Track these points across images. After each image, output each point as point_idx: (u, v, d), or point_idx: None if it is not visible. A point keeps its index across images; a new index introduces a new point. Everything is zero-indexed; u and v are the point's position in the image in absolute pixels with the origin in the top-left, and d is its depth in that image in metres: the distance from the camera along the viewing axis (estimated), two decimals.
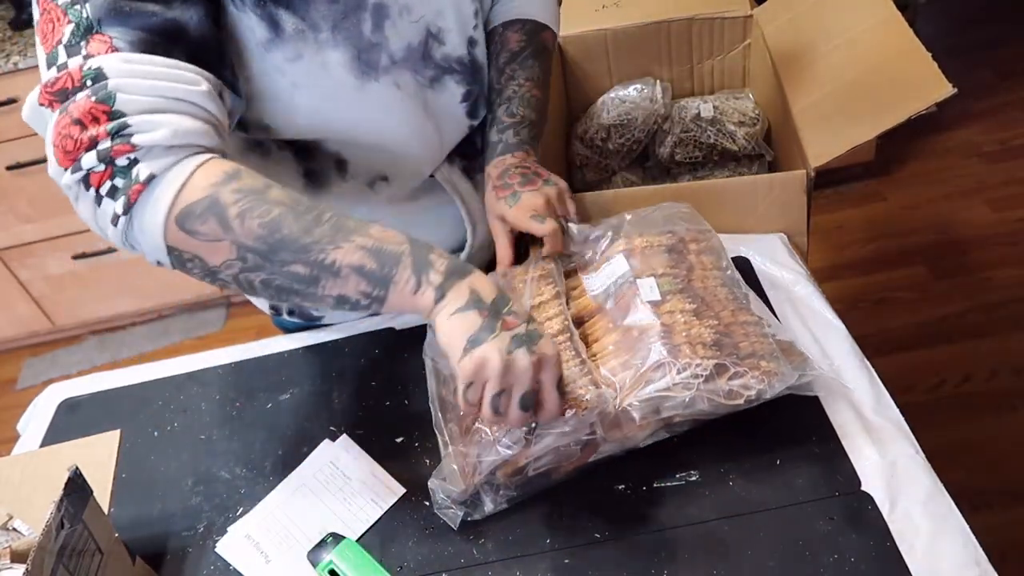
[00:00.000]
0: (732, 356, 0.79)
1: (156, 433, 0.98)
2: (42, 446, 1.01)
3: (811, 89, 1.17)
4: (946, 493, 0.74)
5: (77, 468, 0.73)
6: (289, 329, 1.12)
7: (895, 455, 0.77)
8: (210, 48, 0.73)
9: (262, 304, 1.11)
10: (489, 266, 0.97)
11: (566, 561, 0.75)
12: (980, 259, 2.13)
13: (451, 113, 0.95)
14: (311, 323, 1.10)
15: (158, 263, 0.71)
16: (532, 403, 0.69)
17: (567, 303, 0.88)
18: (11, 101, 2.07)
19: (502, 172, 0.93)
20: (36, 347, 2.65)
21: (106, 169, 0.67)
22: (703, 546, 0.74)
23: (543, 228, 0.89)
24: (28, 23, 2.14)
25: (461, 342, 0.67)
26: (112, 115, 0.66)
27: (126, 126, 0.66)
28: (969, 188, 2.33)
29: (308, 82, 0.83)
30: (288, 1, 0.79)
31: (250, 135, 0.88)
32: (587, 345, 0.85)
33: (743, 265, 1.00)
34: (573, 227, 0.93)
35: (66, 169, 0.67)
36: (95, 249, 2.36)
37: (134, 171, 0.67)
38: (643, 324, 0.82)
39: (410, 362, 0.94)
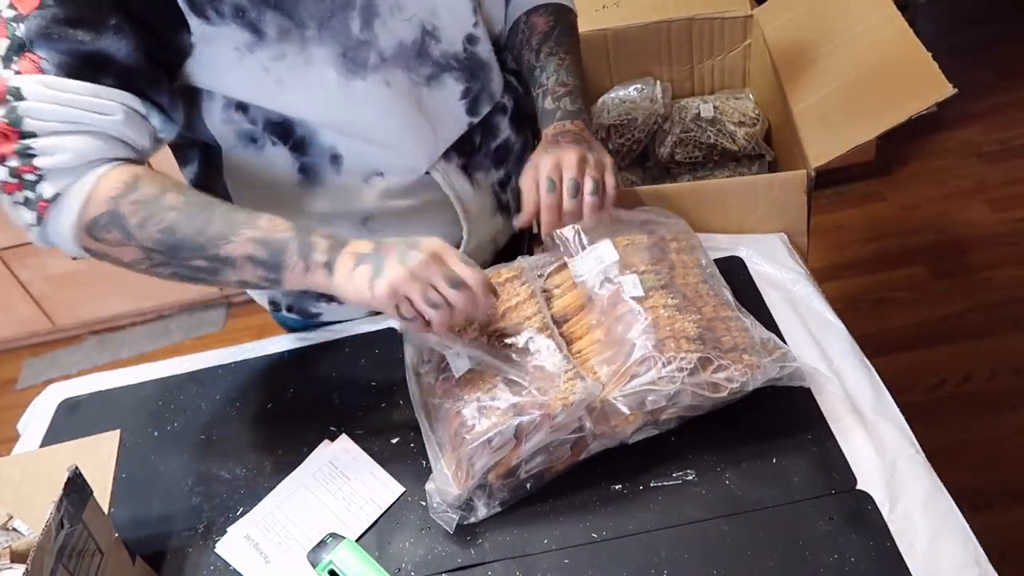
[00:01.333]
0: (715, 350, 0.79)
1: (156, 433, 0.98)
2: (42, 446, 1.01)
3: (811, 89, 1.17)
4: (946, 493, 0.74)
5: (77, 468, 0.73)
6: (289, 326, 1.12)
7: (895, 455, 0.77)
8: (139, 75, 0.76)
9: (262, 300, 1.11)
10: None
11: (565, 561, 0.75)
12: (980, 259, 2.13)
13: (449, 110, 0.95)
14: (309, 320, 1.10)
15: (76, 258, 0.81)
16: (457, 281, 0.76)
17: (549, 302, 0.88)
18: None
19: (557, 134, 0.93)
20: (36, 347, 2.65)
21: (17, 182, 0.74)
22: (702, 545, 0.74)
23: (545, 198, 0.88)
24: None
25: (365, 287, 0.76)
26: (22, 135, 0.72)
27: (30, 148, 0.72)
28: (969, 188, 2.33)
29: (292, 79, 0.84)
30: (274, 3, 0.79)
31: (244, 129, 0.88)
32: (571, 342, 0.85)
33: (736, 265, 1.00)
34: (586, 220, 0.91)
35: None
36: None
37: (39, 187, 0.74)
38: (627, 320, 0.82)
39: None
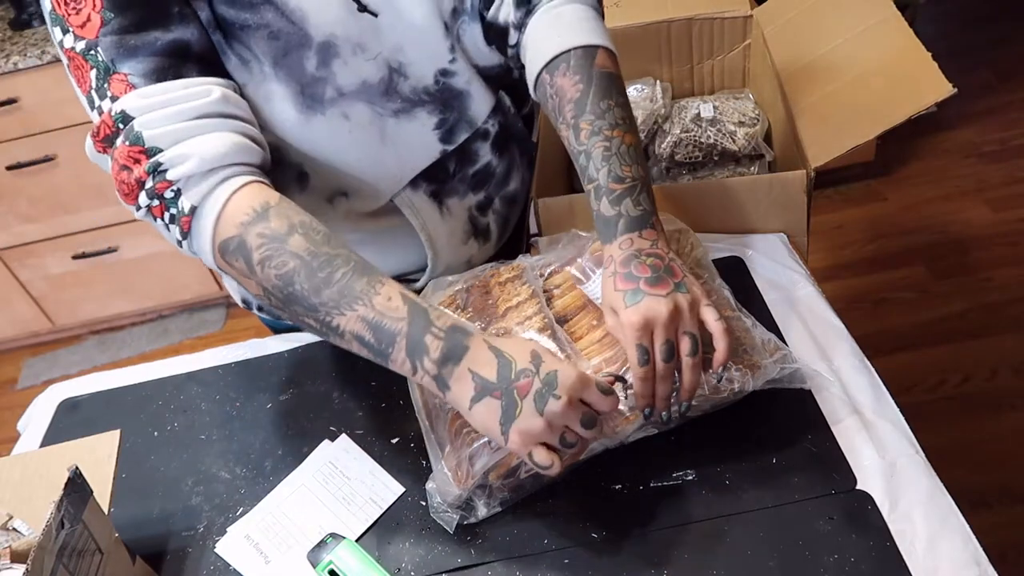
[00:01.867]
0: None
1: (156, 433, 0.98)
2: (42, 446, 1.01)
3: (811, 89, 1.17)
4: (946, 493, 0.74)
5: (77, 468, 0.73)
6: (269, 325, 1.13)
7: (895, 455, 0.77)
8: (216, 59, 0.78)
9: (237, 297, 1.10)
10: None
11: (566, 561, 0.75)
12: (980, 259, 2.13)
13: (420, 140, 0.90)
14: (282, 322, 1.09)
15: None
16: (594, 420, 0.69)
17: (549, 302, 0.88)
18: (11, 101, 2.07)
19: (628, 258, 0.77)
20: (36, 347, 2.65)
21: (160, 203, 0.75)
22: (702, 546, 0.74)
23: (638, 371, 0.74)
24: (28, 23, 2.14)
25: (496, 429, 0.69)
26: (148, 153, 0.73)
27: (159, 164, 0.73)
28: (969, 188, 2.33)
29: (256, 111, 0.83)
30: (233, 32, 0.78)
31: None
32: (572, 341, 0.85)
33: (736, 266, 1.00)
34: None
35: (133, 207, 0.76)
36: (95, 249, 2.36)
37: (180, 202, 0.74)
38: None
39: None
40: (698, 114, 1.33)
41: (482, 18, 0.89)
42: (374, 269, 0.73)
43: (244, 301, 1.08)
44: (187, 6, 0.76)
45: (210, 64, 0.77)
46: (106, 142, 0.75)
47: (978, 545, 0.70)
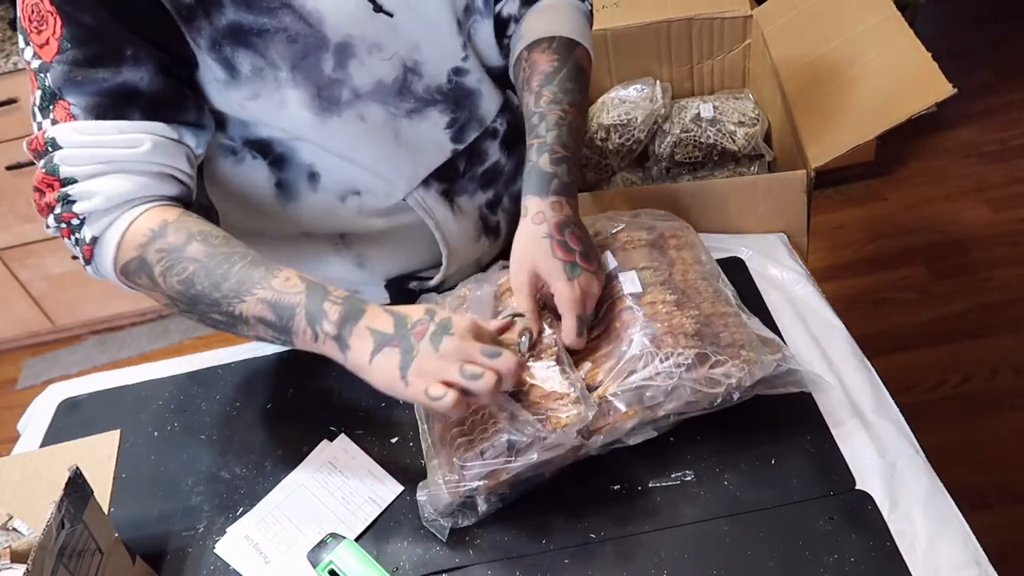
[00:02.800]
0: (713, 345, 0.79)
1: (156, 433, 0.98)
2: (42, 446, 1.01)
3: (811, 89, 1.17)
4: (946, 493, 0.74)
5: (77, 468, 0.73)
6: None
7: (895, 455, 0.77)
8: (165, 99, 0.78)
9: None
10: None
11: (565, 561, 0.75)
12: (980, 259, 2.13)
13: (432, 140, 0.92)
14: None
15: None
16: (496, 352, 0.71)
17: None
18: (11, 101, 2.07)
19: (561, 224, 0.83)
20: (36, 347, 2.65)
21: (67, 227, 0.79)
22: (702, 546, 0.74)
23: (578, 341, 0.81)
24: None
25: (396, 377, 0.71)
26: (62, 183, 0.76)
27: (69, 195, 0.77)
28: (969, 188, 2.33)
29: (267, 119, 0.84)
30: (247, 41, 0.78)
31: (224, 143, 0.89)
32: None
33: (736, 266, 1.00)
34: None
35: (44, 223, 0.80)
36: None
37: (83, 232, 0.78)
38: (625, 316, 0.83)
39: None
40: (698, 114, 1.33)
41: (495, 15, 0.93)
42: (271, 261, 0.76)
43: None
44: (143, 48, 0.76)
45: (159, 104, 0.78)
46: (34, 155, 0.79)
47: (978, 545, 0.70)
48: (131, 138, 0.76)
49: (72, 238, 0.79)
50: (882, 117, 1.04)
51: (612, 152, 1.38)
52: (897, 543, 0.71)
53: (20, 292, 2.44)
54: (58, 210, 0.78)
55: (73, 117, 0.75)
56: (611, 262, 0.88)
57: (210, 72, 0.80)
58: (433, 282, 1.02)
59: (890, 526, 0.72)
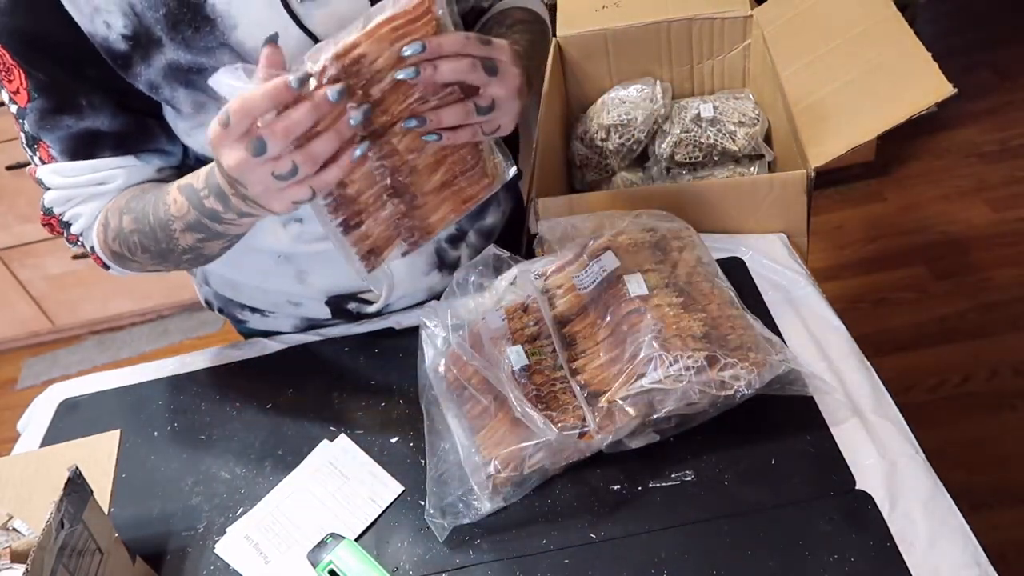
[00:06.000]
0: (722, 348, 0.79)
1: (156, 433, 0.98)
2: (42, 446, 1.01)
3: (811, 89, 1.17)
4: (946, 493, 0.74)
5: (77, 468, 0.73)
6: (247, 335, 1.14)
7: (895, 455, 0.77)
8: (129, 135, 0.82)
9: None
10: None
11: (565, 561, 0.75)
12: (980, 259, 2.13)
13: None
14: (242, 326, 1.12)
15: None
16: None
17: (551, 302, 0.88)
18: None
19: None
20: (36, 347, 2.65)
21: (79, 247, 0.89)
22: (702, 546, 0.74)
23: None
24: None
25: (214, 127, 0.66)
26: (59, 218, 0.86)
27: (64, 222, 0.87)
28: (969, 188, 2.33)
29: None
30: (185, 80, 0.78)
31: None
32: (575, 343, 0.85)
33: (736, 266, 1.00)
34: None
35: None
36: None
37: (86, 245, 0.88)
38: (632, 319, 0.82)
39: (409, 362, 0.94)
40: (698, 114, 1.33)
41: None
42: (161, 192, 0.79)
43: (207, 302, 1.12)
44: (97, 95, 0.79)
45: (125, 140, 0.82)
46: (37, 183, 0.86)
47: (978, 545, 0.70)
48: (104, 175, 0.82)
49: (90, 253, 0.89)
50: (882, 117, 1.04)
51: (612, 152, 1.38)
52: (897, 543, 0.71)
53: (20, 292, 2.44)
54: (66, 234, 0.88)
55: (53, 158, 0.82)
56: (614, 263, 0.88)
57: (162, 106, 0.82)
58: (372, 308, 1.03)
59: (890, 526, 0.72)
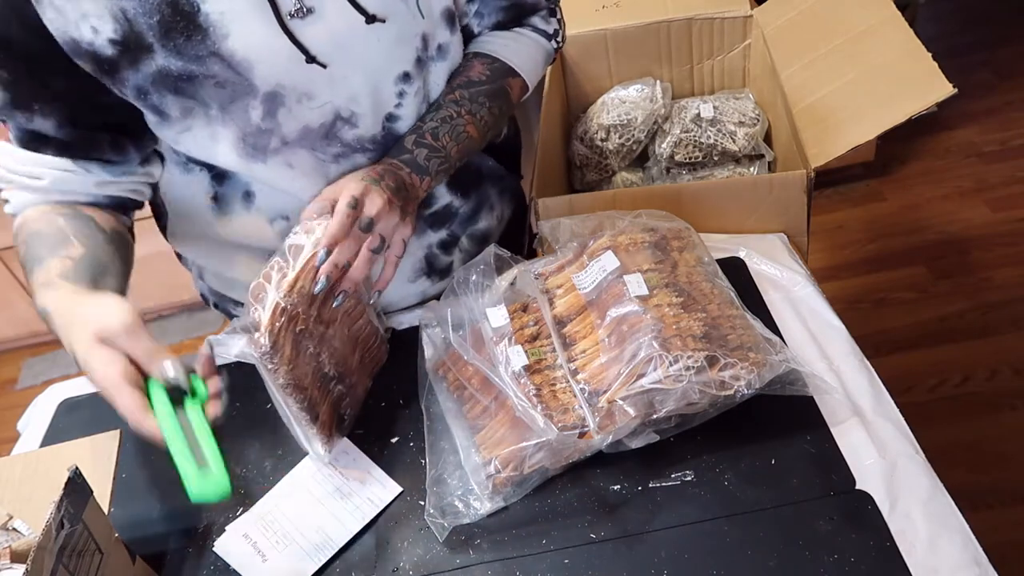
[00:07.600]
0: (722, 348, 0.79)
1: None
2: (42, 446, 1.01)
3: (811, 89, 1.17)
4: (946, 493, 0.74)
5: (77, 468, 0.73)
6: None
7: (895, 455, 0.77)
8: (73, 144, 0.85)
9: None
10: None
11: (565, 561, 0.75)
12: (980, 259, 2.13)
13: None
14: None
15: None
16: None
17: (551, 303, 0.88)
18: None
19: (385, 170, 0.84)
20: (36, 347, 2.65)
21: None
22: (702, 546, 0.74)
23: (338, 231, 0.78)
24: None
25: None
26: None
27: (5, 199, 0.89)
28: (969, 188, 2.33)
29: (199, 153, 0.86)
30: (174, 87, 0.79)
31: (172, 155, 0.91)
32: (575, 343, 0.85)
33: (736, 266, 1.00)
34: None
35: None
36: None
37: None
38: (632, 319, 0.82)
39: (409, 362, 0.94)
40: (698, 114, 1.33)
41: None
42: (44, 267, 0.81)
43: (203, 296, 1.13)
44: (50, 105, 0.81)
45: (68, 146, 0.84)
46: None
47: (978, 545, 0.70)
48: (40, 171, 0.85)
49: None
50: (882, 117, 1.04)
51: (612, 152, 1.38)
52: (897, 543, 0.71)
53: (20, 292, 2.44)
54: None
55: (10, 140, 0.86)
56: (614, 263, 0.88)
57: (144, 113, 0.82)
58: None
59: (890, 526, 0.72)
